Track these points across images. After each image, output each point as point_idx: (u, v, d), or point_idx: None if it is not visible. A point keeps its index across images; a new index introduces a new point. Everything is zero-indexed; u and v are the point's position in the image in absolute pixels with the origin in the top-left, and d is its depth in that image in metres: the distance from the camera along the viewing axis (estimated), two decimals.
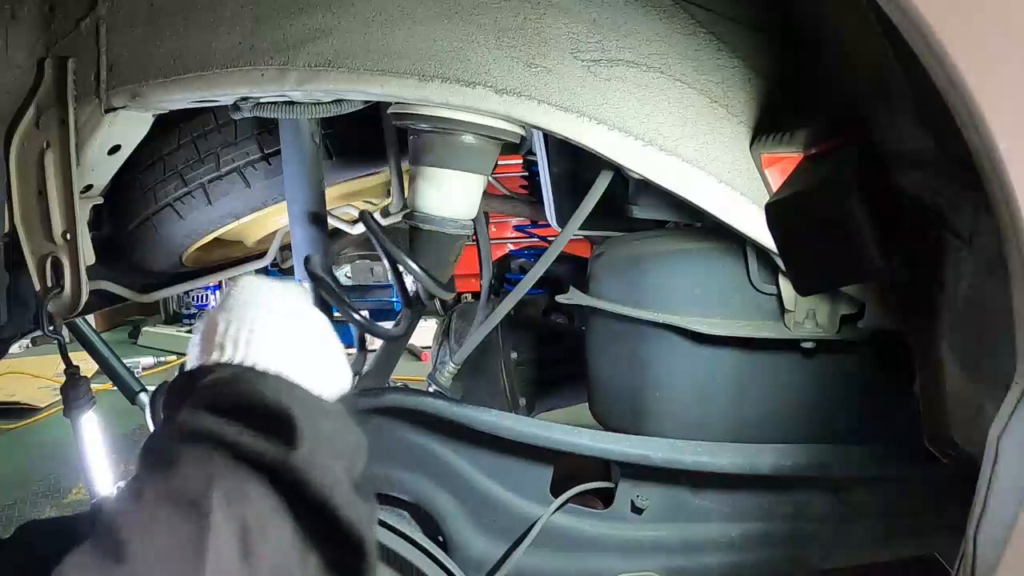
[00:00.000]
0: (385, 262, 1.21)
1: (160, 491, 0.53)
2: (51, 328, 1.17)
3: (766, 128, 0.99)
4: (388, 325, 1.43)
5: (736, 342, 1.17)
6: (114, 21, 1.01)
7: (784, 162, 0.96)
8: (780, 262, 1.05)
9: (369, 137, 1.53)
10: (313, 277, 1.06)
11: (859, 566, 1.31)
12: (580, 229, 1.27)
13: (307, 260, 1.09)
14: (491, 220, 2.58)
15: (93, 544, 0.50)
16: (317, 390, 0.65)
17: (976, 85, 0.61)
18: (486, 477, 1.27)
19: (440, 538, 1.26)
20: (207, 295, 6.08)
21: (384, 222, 1.70)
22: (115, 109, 1.03)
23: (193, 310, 6.59)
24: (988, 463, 0.74)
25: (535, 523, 1.24)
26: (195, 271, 1.79)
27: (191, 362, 0.68)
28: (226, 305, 0.70)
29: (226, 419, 0.57)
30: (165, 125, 1.45)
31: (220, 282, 2.12)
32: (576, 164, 1.38)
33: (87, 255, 1.12)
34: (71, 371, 1.59)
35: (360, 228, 1.75)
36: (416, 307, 1.30)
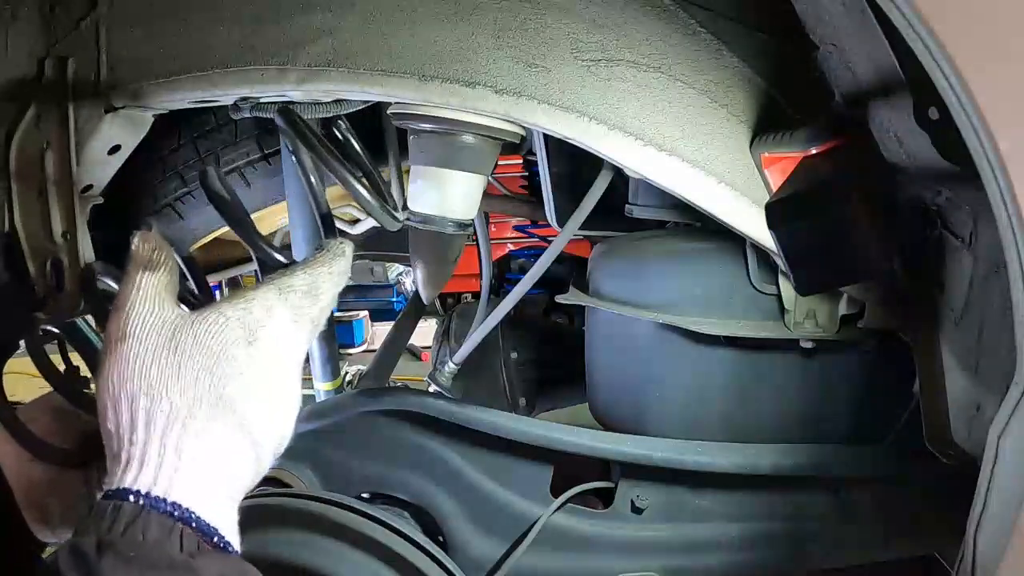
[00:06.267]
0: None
1: None
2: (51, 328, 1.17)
3: (766, 128, 0.98)
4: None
5: (736, 342, 1.17)
6: (114, 21, 1.01)
7: (784, 162, 0.95)
8: (780, 262, 1.05)
9: (369, 137, 1.53)
10: (209, 194, 0.85)
11: (859, 566, 1.31)
12: (580, 229, 1.27)
13: (204, 174, 0.85)
14: (491, 220, 2.59)
15: None
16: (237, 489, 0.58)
17: (976, 85, 0.61)
18: (486, 477, 1.27)
19: (440, 538, 1.26)
20: None
21: None
22: (115, 109, 1.03)
23: None
24: (988, 463, 0.74)
25: (535, 523, 1.24)
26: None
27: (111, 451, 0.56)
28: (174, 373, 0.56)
29: None
30: (165, 125, 1.45)
31: (220, 282, 2.12)
32: (576, 164, 1.38)
33: (87, 255, 1.12)
34: (71, 371, 1.58)
35: (360, 228, 1.75)
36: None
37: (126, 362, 0.56)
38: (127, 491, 0.53)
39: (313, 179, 0.84)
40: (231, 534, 0.57)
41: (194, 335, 0.57)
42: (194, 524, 0.53)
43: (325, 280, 0.65)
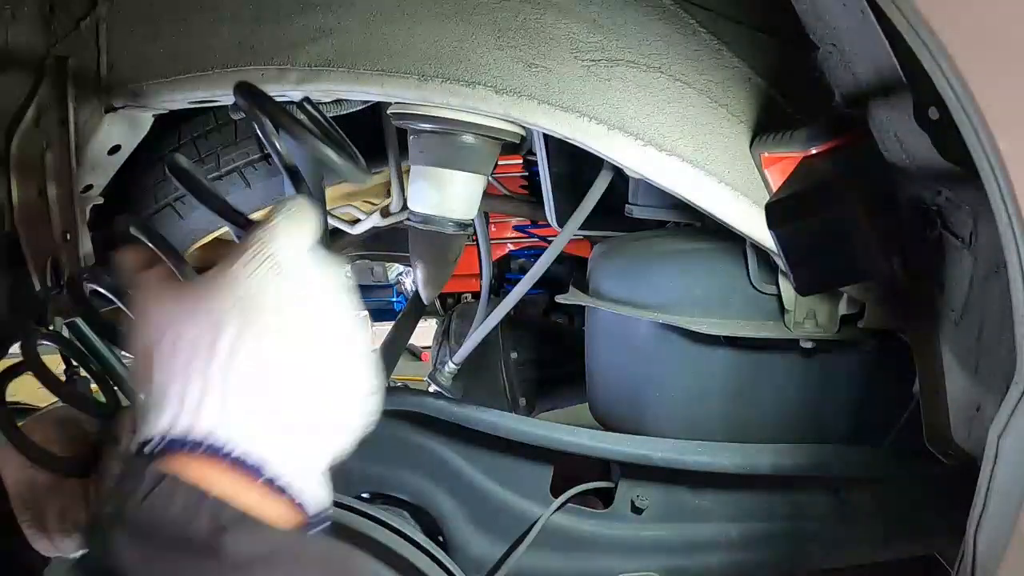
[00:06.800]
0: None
1: None
2: (50, 328, 1.17)
3: (766, 128, 0.98)
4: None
5: (736, 342, 1.17)
6: (114, 21, 1.01)
7: (784, 162, 0.95)
8: (780, 262, 1.05)
9: (369, 137, 1.53)
10: (175, 171, 0.76)
11: (859, 566, 1.31)
12: (580, 229, 1.27)
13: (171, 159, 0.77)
14: (491, 220, 2.59)
15: None
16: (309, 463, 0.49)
17: (976, 85, 0.61)
18: (486, 477, 1.27)
19: (440, 538, 1.26)
20: None
21: (384, 222, 1.70)
22: (115, 109, 1.03)
23: None
24: (988, 463, 0.74)
25: (535, 523, 1.24)
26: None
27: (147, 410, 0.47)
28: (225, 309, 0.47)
29: None
30: (165, 125, 1.45)
31: None
32: (576, 164, 1.38)
33: (87, 255, 1.12)
34: (71, 371, 1.58)
35: (361, 228, 1.74)
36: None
37: (148, 319, 0.51)
38: (146, 442, 0.45)
39: (276, 141, 0.81)
40: (293, 476, 0.46)
41: (211, 276, 0.51)
42: (226, 453, 0.44)
43: (301, 211, 0.57)
